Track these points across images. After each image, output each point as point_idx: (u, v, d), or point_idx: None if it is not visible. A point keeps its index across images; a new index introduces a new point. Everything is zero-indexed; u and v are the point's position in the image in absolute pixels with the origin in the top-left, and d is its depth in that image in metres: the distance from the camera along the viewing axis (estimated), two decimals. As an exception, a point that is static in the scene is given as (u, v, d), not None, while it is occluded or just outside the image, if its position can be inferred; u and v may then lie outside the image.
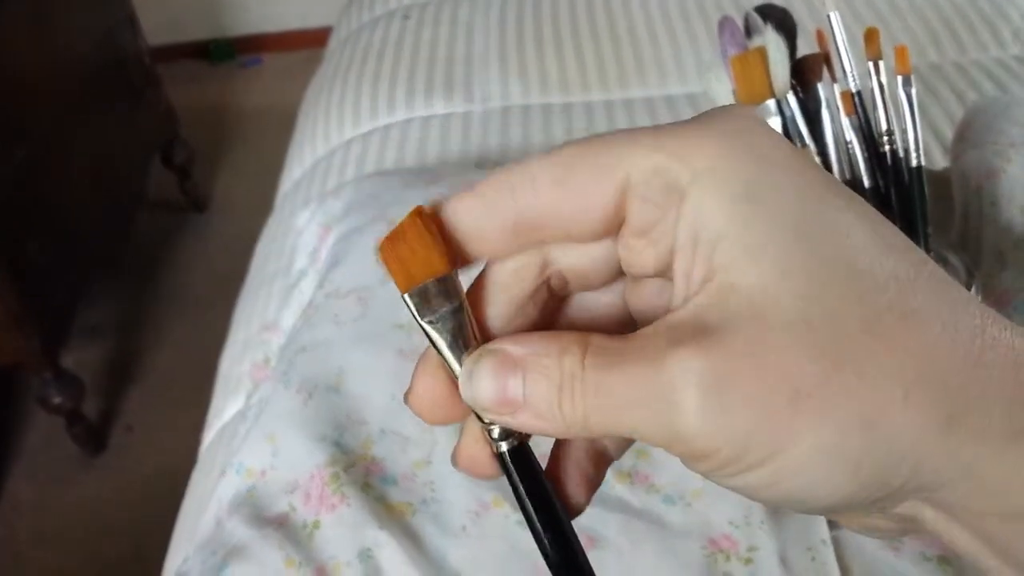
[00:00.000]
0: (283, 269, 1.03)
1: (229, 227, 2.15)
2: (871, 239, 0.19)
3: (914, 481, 0.18)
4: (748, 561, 0.63)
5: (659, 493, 0.66)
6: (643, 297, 0.23)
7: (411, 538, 0.63)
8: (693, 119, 0.21)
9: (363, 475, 0.67)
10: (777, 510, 0.64)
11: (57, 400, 1.54)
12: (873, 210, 0.20)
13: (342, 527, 0.63)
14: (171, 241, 2.12)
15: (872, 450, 0.18)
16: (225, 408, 0.94)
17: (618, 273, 0.23)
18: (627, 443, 0.25)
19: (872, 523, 0.21)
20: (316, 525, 0.64)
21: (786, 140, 0.20)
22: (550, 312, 0.24)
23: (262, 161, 2.27)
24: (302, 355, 0.76)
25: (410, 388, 0.22)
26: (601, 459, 0.24)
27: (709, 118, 0.20)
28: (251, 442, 0.70)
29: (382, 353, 0.74)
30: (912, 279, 0.19)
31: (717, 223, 0.19)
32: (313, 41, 2.71)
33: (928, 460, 0.18)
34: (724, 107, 0.21)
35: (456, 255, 0.21)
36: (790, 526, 0.64)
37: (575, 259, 0.22)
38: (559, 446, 0.24)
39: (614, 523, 0.64)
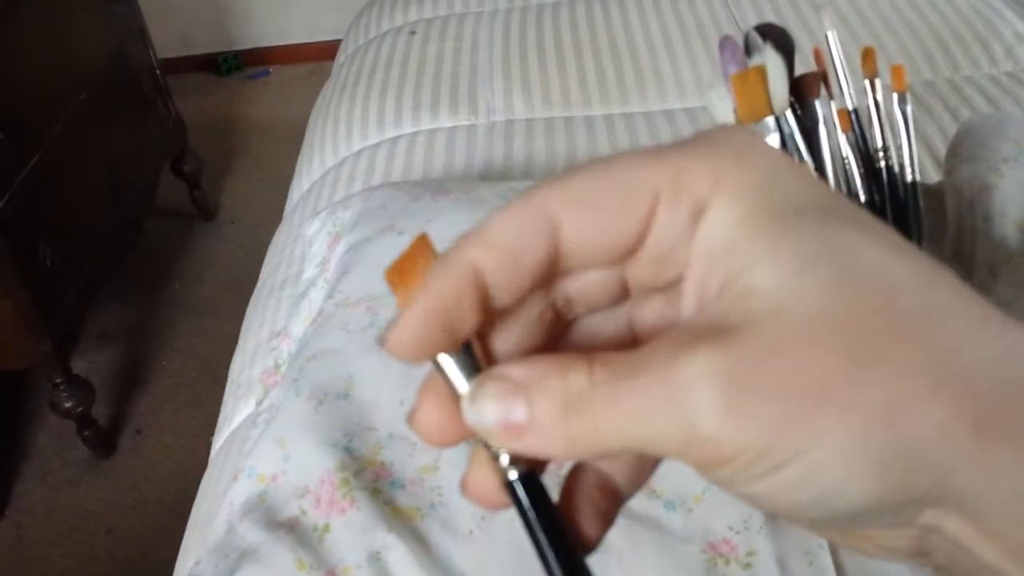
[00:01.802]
0: (292, 277, 1.05)
1: (236, 235, 2.17)
2: (884, 244, 0.19)
3: (941, 485, 0.18)
4: (747, 566, 0.64)
5: (660, 498, 0.68)
6: (649, 316, 0.23)
7: (419, 541, 0.65)
8: (696, 140, 0.21)
9: (372, 480, 0.69)
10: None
11: (68, 404, 1.56)
12: (878, 220, 0.20)
13: (352, 531, 0.65)
14: (180, 249, 2.15)
15: (899, 448, 0.17)
16: (235, 413, 0.96)
17: (624, 293, 0.23)
18: (639, 478, 0.24)
19: (887, 542, 0.21)
20: (326, 529, 0.66)
21: (785, 154, 0.21)
22: (556, 335, 0.23)
23: (269, 171, 2.30)
24: (312, 362, 0.78)
25: (414, 410, 0.22)
26: (613, 496, 0.23)
27: (712, 137, 0.20)
28: (263, 447, 0.72)
29: (391, 361, 0.75)
30: (929, 281, 0.19)
31: (735, 232, 0.19)
32: (318, 54, 2.75)
33: (956, 462, 0.17)
34: (723, 127, 0.21)
35: (483, 311, 0.21)
36: (788, 531, 0.65)
37: (580, 281, 0.22)
38: (571, 482, 0.23)
39: (616, 527, 0.65)
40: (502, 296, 0.21)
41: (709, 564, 0.64)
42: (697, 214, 0.20)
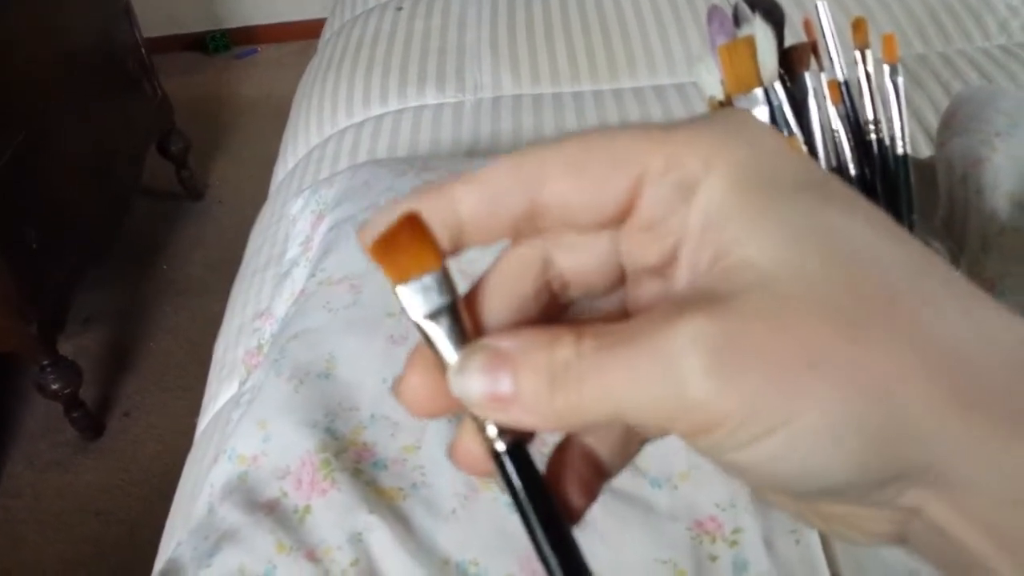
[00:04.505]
0: (276, 257, 1.04)
1: (224, 215, 2.16)
2: (877, 228, 0.19)
3: (926, 461, 0.18)
4: (733, 543, 0.64)
5: (646, 476, 0.67)
6: (644, 297, 0.23)
7: (401, 522, 0.64)
8: (695, 120, 0.21)
9: (354, 460, 0.68)
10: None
11: (55, 386, 1.56)
12: (872, 204, 0.19)
13: (332, 512, 0.64)
14: (168, 230, 2.13)
15: (888, 420, 0.17)
16: (219, 394, 0.95)
17: (620, 279, 0.23)
18: (624, 455, 0.24)
19: (868, 526, 0.21)
20: (307, 510, 0.65)
21: (780, 134, 0.21)
22: (551, 317, 0.23)
23: (257, 150, 2.28)
24: (294, 342, 0.77)
25: (400, 380, 0.22)
26: (598, 471, 0.24)
27: (709, 117, 0.21)
28: (243, 428, 0.71)
29: (373, 340, 0.75)
30: (921, 265, 0.19)
31: (727, 206, 0.19)
32: (307, 32, 2.72)
33: (942, 439, 0.17)
34: (723, 111, 0.21)
35: (454, 242, 0.21)
36: (775, 509, 0.65)
37: (577, 261, 0.22)
38: (557, 455, 0.23)
39: (602, 506, 0.65)
40: (474, 234, 0.21)
41: (695, 541, 0.64)
42: (685, 189, 0.20)
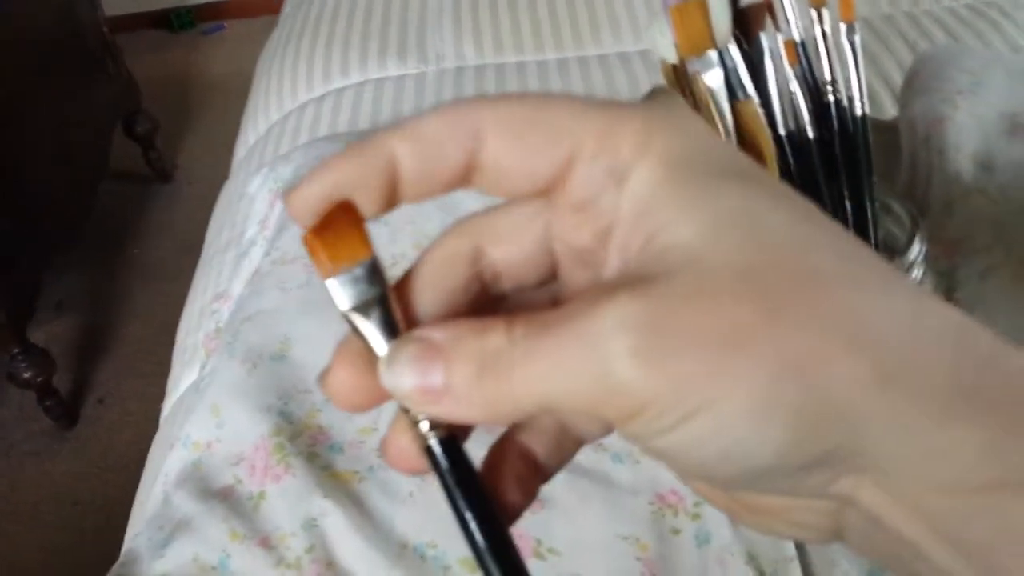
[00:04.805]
0: (237, 237, 1.02)
1: (195, 196, 2.13)
2: (801, 213, 0.19)
3: (854, 441, 0.18)
4: (696, 516, 0.63)
5: (608, 451, 0.67)
6: (576, 289, 0.23)
7: (357, 505, 0.63)
8: (631, 104, 0.21)
9: (309, 444, 0.67)
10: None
11: (26, 375, 1.54)
12: (796, 192, 0.20)
13: (287, 498, 0.63)
14: (138, 212, 2.10)
15: (809, 399, 0.17)
16: (182, 379, 0.94)
17: (551, 272, 0.23)
18: (561, 454, 0.24)
19: (801, 518, 0.21)
20: (261, 496, 0.64)
21: (708, 124, 0.21)
22: (483, 311, 0.23)
23: (226, 129, 2.23)
24: (248, 324, 0.75)
25: (326, 373, 0.22)
26: (536, 470, 0.24)
27: (644, 104, 0.21)
28: (197, 414, 0.70)
29: (328, 320, 0.73)
30: (845, 250, 0.19)
31: (659, 193, 0.19)
32: (274, 7, 2.65)
33: (866, 418, 0.17)
34: (654, 92, 0.21)
35: (388, 199, 0.21)
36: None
37: (508, 252, 0.22)
38: (494, 453, 0.23)
39: (562, 482, 0.64)
40: (410, 191, 0.20)
41: (657, 515, 0.63)
42: (617, 174, 0.20)
